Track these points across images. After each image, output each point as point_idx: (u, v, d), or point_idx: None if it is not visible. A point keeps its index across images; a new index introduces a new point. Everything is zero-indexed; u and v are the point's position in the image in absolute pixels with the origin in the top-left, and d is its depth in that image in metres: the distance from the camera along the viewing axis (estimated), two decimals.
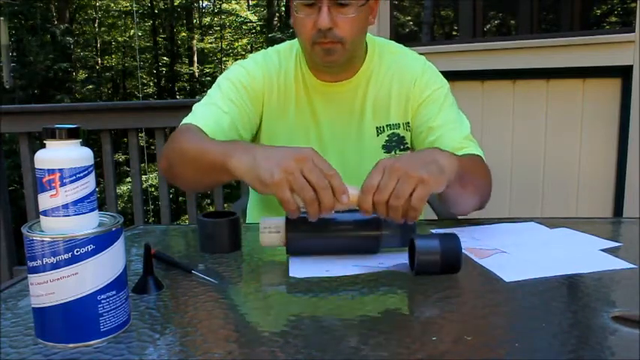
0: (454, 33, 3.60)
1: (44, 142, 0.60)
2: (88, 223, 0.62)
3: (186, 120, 1.15)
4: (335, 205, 0.80)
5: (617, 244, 0.96)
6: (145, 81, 15.45)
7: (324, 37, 1.09)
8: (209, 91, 1.23)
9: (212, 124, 1.12)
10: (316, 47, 1.12)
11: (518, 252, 0.92)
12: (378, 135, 1.22)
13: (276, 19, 16.32)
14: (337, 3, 1.08)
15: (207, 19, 17.63)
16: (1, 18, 7.86)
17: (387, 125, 1.23)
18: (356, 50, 1.18)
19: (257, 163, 0.82)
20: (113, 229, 0.62)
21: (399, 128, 1.23)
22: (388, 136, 1.23)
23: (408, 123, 1.23)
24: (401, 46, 1.31)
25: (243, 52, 16.54)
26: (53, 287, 0.59)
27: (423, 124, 1.20)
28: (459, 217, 1.19)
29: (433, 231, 1.06)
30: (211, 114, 1.15)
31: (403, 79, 1.23)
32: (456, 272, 0.80)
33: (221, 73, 1.26)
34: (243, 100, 1.19)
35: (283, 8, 15.56)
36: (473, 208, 1.12)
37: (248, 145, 0.91)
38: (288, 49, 1.27)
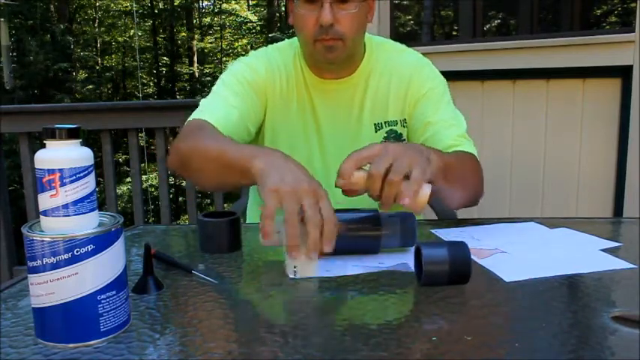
0: (454, 33, 3.60)
1: (44, 142, 0.60)
2: (88, 223, 0.62)
3: (195, 115, 1.13)
4: (317, 248, 0.76)
5: (617, 244, 0.96)
6: (145, 81, 15.44)
7: (326, 34, 1.10)
8: (213, 88, 1.22)
9: (222, 120, 1.10)
10: (318, 44, 1.13)
11: (518, 252, 0.92)
12: (376, 131, 1.23)
13: (276, 19, 16.32)
14: None
15: (207, 19, 17.62)
16: (2, 19, 7.86)
17: (385, 122, 1.24)
18: (356, 48, 1.20)
19: (271, 169, 0.81)
20: (113, 229, 0.62)
21: (397, 125, 1.24)
22: (386, 132, 1.24)
23: (405, 119, 1.24)
24: (397, 43, 1.32)
25: (243, 52, 16.46)
26: (53, 287, 0.59)
27: (419, 121, 1.21)
28: (459, 218, 1.19)
29: (433, 231, 1.06)
30: (219, 108, 1.14)
31: (401, 75, 1.24)
32: (464, 283, 0.77)
33: (221, 73, 1.26)
34: (248, 94, 1.19)
35: (283, 8, 15.56)
36: (460, 203, 1.11)
37: (271, 151, 0.89)
38: (288, 47, 1.28)
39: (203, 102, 1.18)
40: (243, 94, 1.18)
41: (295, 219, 0.75)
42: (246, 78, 1.21)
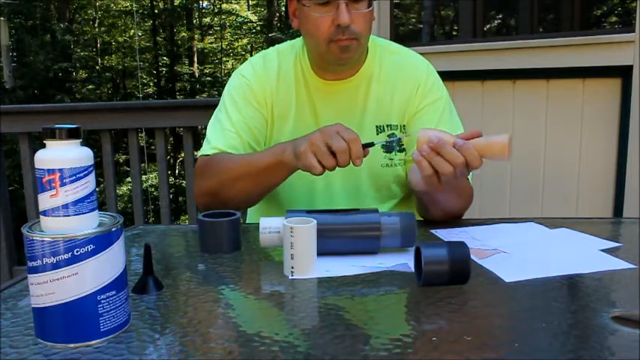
0: (454, 33, 3.60)
1: (44, 142, 0.60)
2: (88, 223, 0.62)
3: (204, 151, 1.21)
4: (348, 164, 0.95)
5: (617, 244, 0.96)
6: (145, 81, 15.42)
7: (342, 34, 1.11)
8: (217, 113, 1.26)
9: (230, 151, 1.18)
10: (332, 45, 1.12)
11: (518, 252, 0.92)
12: (377, 134, 1.23)
13: (276, 19, 16.33)
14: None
15: (207, 19, 17.60)
16: (1, 18, 7.86)
17: (387, 125, 1.23)
18: (366, 47, 1.20)
19: (295, 144, 1.02)
20: (113, 229, 0.62)
21: (397, 129, 1.23)
22: (388, 135, 1.23)
23: (404, 126, 1.24)
24: (400, 46, 1.31)
25: (243, 52, 16.52)
26: (53, 287, 0.59)
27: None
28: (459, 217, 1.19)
29: (433, 231, 1.06)
30: (225, 140, 1.20)
31: (407, 81, 1.24)
32: (464, 283, 0.77)
33: (221, 73, 1.28)
34: (249, 115, 1.22)
35: (283, 8, 15.55)
36: (442, 216, 1.15)
37: (287, 141, 1.07)
38: (289, 49, 1.28)
39: (209, 135, 1.24)
40: (245, 117, 1.22)
41: (322, 151, 0.95)
42: (246, 97, 1.24)
